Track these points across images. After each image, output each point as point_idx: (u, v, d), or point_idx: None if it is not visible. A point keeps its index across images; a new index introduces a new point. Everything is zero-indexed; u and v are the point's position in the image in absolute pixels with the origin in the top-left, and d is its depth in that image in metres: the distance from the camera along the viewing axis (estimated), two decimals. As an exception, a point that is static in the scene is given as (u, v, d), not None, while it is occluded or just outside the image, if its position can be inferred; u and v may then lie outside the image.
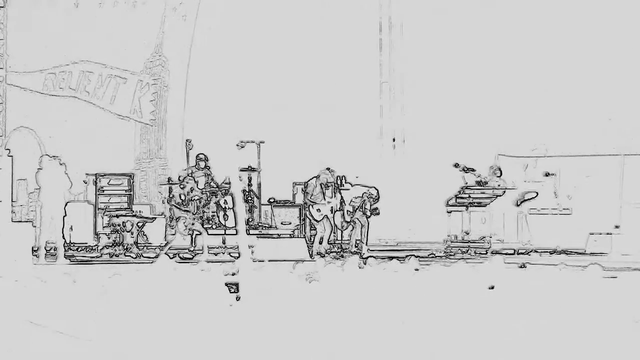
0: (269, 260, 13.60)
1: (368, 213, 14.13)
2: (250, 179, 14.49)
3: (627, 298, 13.00)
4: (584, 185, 14.16)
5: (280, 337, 13.16)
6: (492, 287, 13.17)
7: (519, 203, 14.01)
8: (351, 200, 14.23)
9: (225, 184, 14.20)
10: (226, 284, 13.30)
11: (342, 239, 14.34)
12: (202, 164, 14.27)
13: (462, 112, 14.45)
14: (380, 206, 14.22)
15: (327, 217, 14.21)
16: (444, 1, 14.51)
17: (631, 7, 14.17)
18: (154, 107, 15.01)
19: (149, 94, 14.99)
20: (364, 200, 14.11)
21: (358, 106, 14.68)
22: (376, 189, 14.12)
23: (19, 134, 14.54)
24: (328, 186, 14.23)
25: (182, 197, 14.19)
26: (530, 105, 14.33)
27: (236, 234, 14.01)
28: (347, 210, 14.21)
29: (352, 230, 14.27)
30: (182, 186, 14.21)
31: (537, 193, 13.99)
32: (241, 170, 14.32)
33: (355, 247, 14.20)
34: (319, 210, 14.24)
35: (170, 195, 14.26)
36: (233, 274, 13.36)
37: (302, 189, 14.39)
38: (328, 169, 14.29)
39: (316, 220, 14.24)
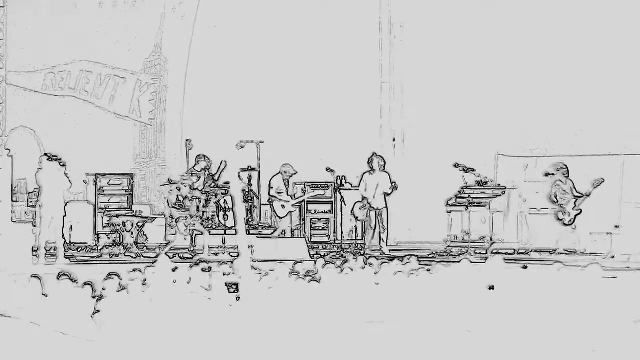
0: (269, 260, 13.59)
1: (388, 192, 14.10)
2: (250, 179, 14.49)
3: (627, 298, 13.00)
4: (584, 185, 14.17)
5: (280, 337, 13.16)
6: (492, 288, 13.18)
7: (594, 188, 13.94)
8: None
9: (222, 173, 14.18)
10: (226, 284, 13.30)
11: (342, 239, 14.35)
12: (202, 164, 14.25)
13: (462, 112, 14.47)
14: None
15: (377, 214, 14.21)
16: (444, 1, 14.52)
17: (631, 7, 14.19)
18: (153, 106, 15.01)
19: (148, 94, 15.00)
20: (380, 165, 14.04)
21: (358, 106, 14.69)
22: (375, 153, 14.07)
23: (19, 134, 14.53)
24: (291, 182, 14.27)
25: (180, 198, 14.17)
26: (530, 105, 14.35)
27: (236, 234, 14.00)
28: (365, 198, 14.18)
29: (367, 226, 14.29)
30: (178, 187, 14.19)
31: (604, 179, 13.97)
32: (242, 171, 14.33)
33: (356, 247, 14.21)
34: (283, 206, 14.23)
35: (170, 196, 14.25)
36: (230, 274, 13.36)
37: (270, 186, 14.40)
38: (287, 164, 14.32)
39: (279, 217, 14.23)
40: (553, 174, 14.24)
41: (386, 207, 14.19)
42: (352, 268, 13.32)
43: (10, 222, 13.68)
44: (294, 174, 14.29)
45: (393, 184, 14.11)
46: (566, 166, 14.03)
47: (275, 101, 14.62)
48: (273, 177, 14.31)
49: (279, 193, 14.27)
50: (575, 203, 13.95)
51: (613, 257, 13.85)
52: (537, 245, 14.17)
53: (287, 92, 14.64)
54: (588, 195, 13.94)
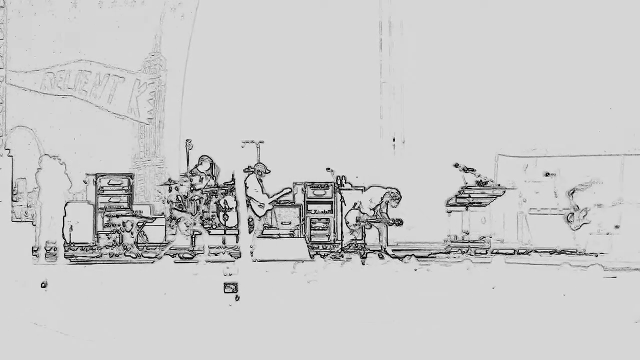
0: (269, 260, 13.60)
1: (390, 222, 14.12)
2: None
3: (627, 298, 13.03)
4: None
5: (280, 337, 13.17)
6: (493, 287, 13.21)
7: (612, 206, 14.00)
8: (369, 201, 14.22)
9: (230, 182, 14.19)
10: (225, 284, 13.30)
11: (342, 239, 14.34)
12: (206, 165, 14.24)
13: (462, 112, 14.47)
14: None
15: (371, 224, 14.22)
16: (444, 1, 14.52)
17: (631, 7, 14.20)
18: (151, 106, 14.99)
19: (146, 93, 14.98)
20: (387, 201, 14.09)
21: (358, 106, 14.68)
22: (397, 189, 14.13)
23: (18, 134, 14.52)
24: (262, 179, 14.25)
25: (180, 198, 14.17)
26: (530, 105, 14.36)
27: (239, 233, 14.00)
28: (364, 213, 14.18)
29: (353, 233, 14.28)
30: (177, 187, 14.19)
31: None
32: (244, 171, 14.31)
33: (356, 247, 14.21)
34: (261, 205, 14.22)
35: (169, 196, 14.24)
36: (230, 274, 13.37)
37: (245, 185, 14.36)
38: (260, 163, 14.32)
39: (258, 217, 14.21)
40: (554, 174, 14.27)
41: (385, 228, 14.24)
42: (353, 268, 13.33)
43: (10, 222, 13.68)
44: (267, 172, 14.29)
45: (397, 220, 14.14)
46: (602, 182, 14.03)
47: (275, 101, 14.61)
48: (248, 176, 14.30)
49: (255, 192, 14.26)
50: (587, 212, 13.99)
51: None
52: (537, 245, 14.19)
53: (286, 92, 14.63)
54: (599, 206, 13.99)
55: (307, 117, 14.60)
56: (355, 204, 14.25)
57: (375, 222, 14.15)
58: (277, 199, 14.29)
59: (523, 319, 13.06)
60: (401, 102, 14.75)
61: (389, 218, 14.15)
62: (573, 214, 14.04)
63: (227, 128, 14.52)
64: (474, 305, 13.13)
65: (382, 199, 14.16)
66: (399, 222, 14.13)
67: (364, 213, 14.18)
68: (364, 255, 13.80)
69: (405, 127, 14.74)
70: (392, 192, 14.12)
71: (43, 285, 13.25)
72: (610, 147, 14.20)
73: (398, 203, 14.13)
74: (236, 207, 14.14)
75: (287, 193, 14.32)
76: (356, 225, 14.22)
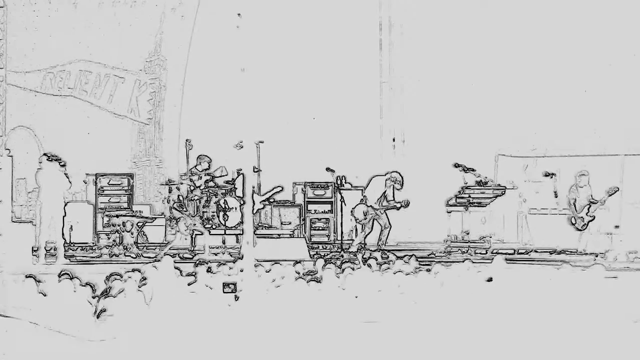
0: (269, 261, 13.60)
1: (397, 205, 14.10)
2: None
3: (627, 298, 13.03)
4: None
5: (279, 337, 13.16)
6: (490, 280, 13.21)
7: (608, 196, 13.94)
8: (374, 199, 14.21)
9: (222, 176, 14.18)
10: (224, 284, 13.30)
11: (342, 239, 14.34)
12: (204, 165, 14.24)
13: (462, 112, 14.48)
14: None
15: (378, 214, 14.19)
16: (444, 1, 14.53)
17: (631, 7, 14.21)
18: (151, 106, 14.99)
19: (146, 93, 14.98)
20: (391, 185, 14.07)
21: (358, 106, 14.68)
22: (397, 172, 14.12)
23: (18, 133, 14.52)
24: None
25: (181, 198, 14.17)
26: (530, 105, 14.37)
27: (242, 233, 13.99)
28: (370, 206, 14.16)
29: (363, 229, 14.27)
30: (177, 187, 14.19)
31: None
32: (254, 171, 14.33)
33: (360, 247, 14.21)
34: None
35: (170, 196, 14.24)
36: (230, 275, 13.37)
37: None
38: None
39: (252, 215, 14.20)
40: (554, 174, 14.27)
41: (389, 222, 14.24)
42: (353, 268, 13.33)
43: (10, 222, 13.67)
44: (256, 171, 14.29)
45: (404, 201, 14.13)
46: (588, 172, 14.03)
47: (275, 101, 14.62)
48: (238, 176, 14.32)
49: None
50: (589, 209, 13.98)
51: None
52: (537, 245, 14.20)
53: (286, 92, 14.64)
54: (602, 203, 13.96)
55: (307, 117, 14.60)
56: (362, 199, 14.24)
57: (384, 209, 14.12)
58: (269, 197, 14.28)
59: (523, 318, 13.06)
60: (401, 102, 14.76)
61: (395, 201, 14.14)
62: (574, 216, 14.06)
63: (227, 128, 14.51)
64: (474, 306, 13.13)
65: (385, 185, 14.14)
66: (407, 204, 14.12)
67: (370, 206, 14.16)
68: (368, 256, 13.79)
69: (405, 127, 14.75)
70: (393, 176, 14.11)
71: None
72: (610, 147, 14.21)
73: (402, 185, 14.11)
74: (241, 207, 14.13)
75: (278, 192, 14.32)
76: (365, 219, 14.19)
